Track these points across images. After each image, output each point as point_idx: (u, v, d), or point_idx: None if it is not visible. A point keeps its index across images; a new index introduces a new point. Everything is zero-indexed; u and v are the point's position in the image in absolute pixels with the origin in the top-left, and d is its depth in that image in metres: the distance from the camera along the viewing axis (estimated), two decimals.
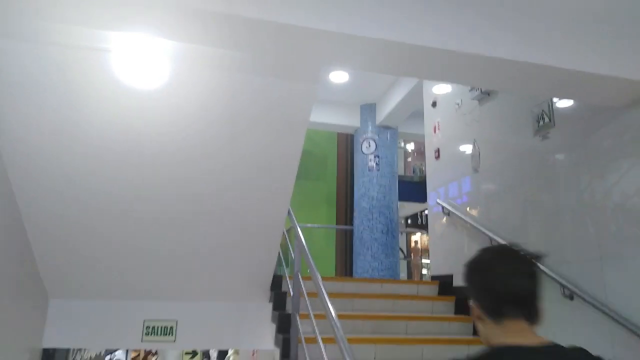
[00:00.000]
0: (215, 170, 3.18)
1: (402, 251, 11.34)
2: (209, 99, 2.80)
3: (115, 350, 8.31)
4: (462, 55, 2.33)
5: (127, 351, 8.56)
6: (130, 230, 3.47)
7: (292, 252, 4.04)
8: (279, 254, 4.45)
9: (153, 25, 2.08)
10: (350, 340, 3.29)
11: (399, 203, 8.17)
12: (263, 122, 2.97)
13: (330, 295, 3.82)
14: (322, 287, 2.69)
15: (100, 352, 6.47)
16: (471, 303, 1.24)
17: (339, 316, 3.54)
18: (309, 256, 3.19)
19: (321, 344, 2.69)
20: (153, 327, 4.15)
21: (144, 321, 4.11)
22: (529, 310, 1.19)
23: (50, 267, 3.62)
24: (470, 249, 4.46)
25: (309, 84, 2.80)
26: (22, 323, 3.54)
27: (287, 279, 4.03)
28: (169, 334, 4.16)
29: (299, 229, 3.66)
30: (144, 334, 4.11)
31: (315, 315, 3.03)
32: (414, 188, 9.27)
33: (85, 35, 2.32)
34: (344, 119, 7.27)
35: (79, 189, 3.09)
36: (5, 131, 2.67)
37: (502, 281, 1.17)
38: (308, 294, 3.23)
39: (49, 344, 3.88)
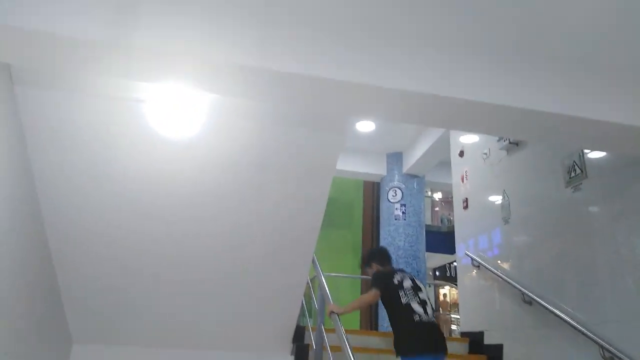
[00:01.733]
0: (243, 219, 3.20)
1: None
2: (239, 150, 2.86)
3: None
4: (489, 106, 2.31)
5: None
6: (159, 276, 3.48)
7: (315, 302, 3.95)
8: (302, 304, 4.36)
9: (186, 78, 2.17)
10: None
11: (426, 254, 8.00)
12: (290, 172, 3.00)
13: (354, 349, 3.70)
14: (345, 340, 2.59)
15: None
16: None
17: None
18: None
19: None
20: None
21: None
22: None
23: (77, 310, 3.64)
24: (502, 304, 4.27)
25: (336, 135, 2.84)
26: None
27: (310, 330, 3.92)
28: None
29: (323, 279, 3.60)
30: None
31: None
32: (441, 238, 9.08)
33: (121, 86, 2.44)
34: (371, 167, 7.30)
35: (112, 232, 3.14)
36: (44, 175, 2.78)
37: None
38: (331, 347, 3.12)
39: None
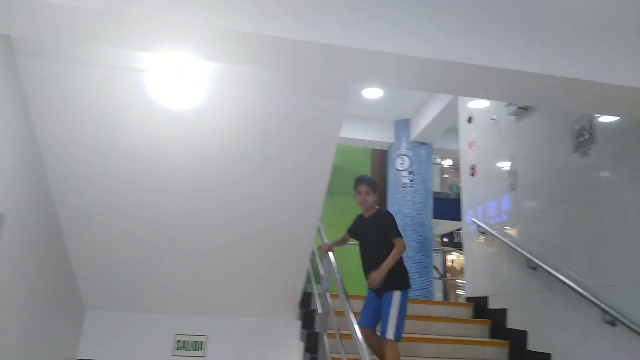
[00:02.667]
0: (248, 189, 3.23)
1: (437, 270, 11.07)
2: (243, 119, 2.86)
3: None
4: (497, 71, 2.27)
5: None
6: (166, 245, 3.55)
7: (321, 269, 4.00)
8: (310, 271, 4.43)
9: (188, 46, 2.14)
10: None
11: (435, 221, 8.00)
12: (295, 139, 2.99)
13: (357, 314, 3.77)
14: (348, 305, 2.64)
15: None
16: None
17: None
18: (337, 274, 3.14)
19: None
20: (184, 342, 4.20)
21: (175, 335, 4.17)
22: None
23: (87, 279, 3.74)
24: (507, 270, 4.30)
25: (339, 102, 2.81)
26: (59, 334, 3.66)
27: (317, 296, 3.99)
28: (199, 349, 4.20)
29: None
30: (175, 348, 4.17)
31: (341, 335, 2.97)
32: (450, 205, 9.06)
33: (122, 56, 2.42)
34: (378, 135, 7.23)
35: (119, 202, 3.19)
36: (49, 144, 2.80)
37: None
38: (335, 312, 3.18)
39: (83, 355, 3.99)
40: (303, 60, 2.21)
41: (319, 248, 3.29)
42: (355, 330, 2.46)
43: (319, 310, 3.54)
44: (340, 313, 3.00)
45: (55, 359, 3.63)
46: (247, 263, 3.79)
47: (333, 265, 3.29)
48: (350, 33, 2.10)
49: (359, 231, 3.31)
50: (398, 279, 3.09)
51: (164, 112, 2.68)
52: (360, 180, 3.24)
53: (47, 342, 3.43)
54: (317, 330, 3.67)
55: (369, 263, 3.13)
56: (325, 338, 3.20)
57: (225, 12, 1.95)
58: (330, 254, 3.39)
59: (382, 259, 3.04)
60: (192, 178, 3.10)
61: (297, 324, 4.21)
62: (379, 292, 3.06)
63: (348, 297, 2.85)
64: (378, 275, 2.96)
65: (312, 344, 3.52)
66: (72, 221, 3.24)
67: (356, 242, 3.35)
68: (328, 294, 3.37)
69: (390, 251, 3.07)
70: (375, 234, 3.19)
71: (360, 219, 3.35)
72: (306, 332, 3.73)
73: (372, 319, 3.08)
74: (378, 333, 3.02)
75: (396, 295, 3.00)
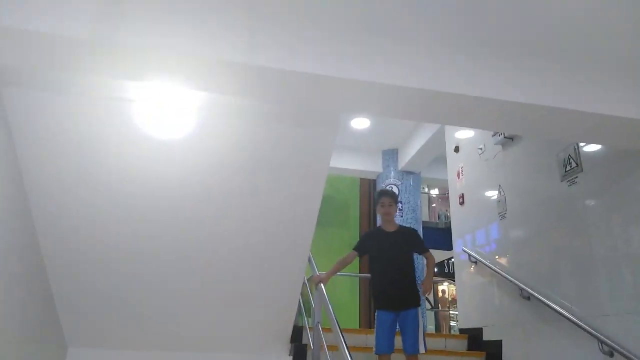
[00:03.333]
0: (237, 222, 3.17)
1: (429, 301, 10.94)
2: (231, 149, 2.83)
3: None
4: (484, 101, 2.29)
5: None
6: (153, 279, 3.44)
7: (312, 301, 3.92)
8: (300, 303, 4.33)
9: (175, 76, 2.13)
10: None
11: None
12: (284, 170, 2.97)
13: (352, 348, 3.66)
14: (342, 339, 2.56)
15: None
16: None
17: None
18: (329, 306, 3.07)
19: None
20: None
21: None
22: None
23: (71, 314, 3.59)
24: (500, 300, 4.25)
25: (328, 131, 2.80)
26: None
27: (308, 330, 3.89)
28: None
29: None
30: None
31: None
32: (439, 235, 9.07)
33: (108, 86, 2.40)
34: (366, 165, 7.26)
35: (103, 234, 3.11)
36: (33, 174, 2.74)
37: None
38: (328, 347, 3.09)
39: None
40: (291, 90, 2.22)
41: (310, 280, 3.25)
42: None
43: (311, 345, 3.44)
44: (333, 347, 2.92)
45: None
46: (235, 296, 3.69)
47: (324, 296, 3.22)
48: (338, 63, 2.11)
49: (377, 246, 3.31)
50: (418, 295, 3.25)
51: (151, 142, 2.65)
52: (382, 194, 3.48)
53: None
54: None
55: (396, 279, 3.17)
56: None
57: (212, 41, 1.96)
58: (322, 286, 3.33)
59: (410, 273, 3.23)
60: (179, 210, 3.04)
61: (288, 359, 4.07)
62: (399, 309, 3.03)
63: (342, 330, 2.77)
64: (429, 282, 3.23)
65: None
66: (55, 254, 3.14)
67: (344, 274, 3.36)
68: (320, 328, 3.28)
69: (411, 266, 3.23)
70: (402, 249, 3.29)
71: (378, 234, 3.39)
72: None
73: (392, 341, 3.09)
74: None
75: (418, 310, 3.19)
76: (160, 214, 3.02)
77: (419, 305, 3.20)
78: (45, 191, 2.82)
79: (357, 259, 3.54)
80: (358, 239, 3.53)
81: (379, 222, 7.06)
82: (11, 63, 2.13)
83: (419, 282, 3.34)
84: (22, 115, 2.47)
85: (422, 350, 3.08)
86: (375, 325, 3.21)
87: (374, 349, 3.15)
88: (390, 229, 3.39)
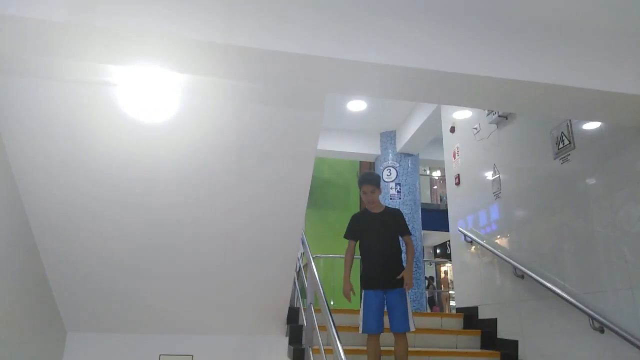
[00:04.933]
0: (226, 201, 3.17)
1: (432, 282, 10.99)
2: (218, 131, 2.82)
3: None
4: (479, 79, 2.27)
5: None
6: (146, 263, 3.47)
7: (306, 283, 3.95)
8: (297, 286, 4.36)
9: (156, 59, 2.12)
10: None
11: (426, 232, 7.97)
12: (273, 151, 2.96)
13: (347, 328, 3.71)
14: (330, 319, 2.58)
15: None
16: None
17: (356, 351, 3.45)
18: (320, 287, 3.10)
19: None
20: None
21: (160, 356, 4.06)
22: None
23: (68, 300, 3.64)
24: (495, 279, 4.26)
25: (315, 111, 2.79)
26: (40, 357, 3.55)
27: (303, 311, 3.92)
28: None
29: (311, 259, 3.59)
30: None
31: (326, 350, 2.91)
32: (440, 216, 9.04)
33: (92, 70, 2.39)
34: (365, 147, 7.25)
35: (94, 221, 3.13)
36: (20, 164, 2.75)
37: None
38: (320, 327, 3.12)
39: None
40: (274, 70, 2.20)
41: (344, 294, 3.29)
42: (337, 346, 2.39)
43: (305, 326, 3.47)
44: (324, 328, 2.95)
45: None
46: (230, 279, 3.72)
47: (317, 278, 3.24)
48: (321, 42, 2.09)
49: (365, 227, 3.34)
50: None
51: (136, 126, 2.64)
52: (363, 181, 3.40)
53: None
54: (303, 346, 3.60)
55: (384, 258, 3.25)
56: (311, 354, 3.14)
57: (191, 22, 1.94)
58: (314, 265, 3.37)
59: (397, 254, 3.26)
60: (168, 194, 3.05)
61: (285, 340, 4.12)
62: (387, 288, 3.16)
63: (331, 311, 2.79)
64: (409, 276, 3.20)
65: None
66: (47, 240, 3.17)
67: (343, 256, 3.37)
68: (312, 309, 3.31)
69: (398, 246, 3.28)
70: (389, 229, 3.34)
71: (364, 216, 3.42)
72: (293, 348, 3.65)
73: (381, 321, 3.12)
74: None
75: (405, 289, 3.21)
76: (147, 200, 3.03)
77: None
78: (33, 180, 2.83)
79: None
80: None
81: None
82: None
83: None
84: (6, 102, 2.47)
85: (412, 328, 3.10)
86: (362, 306, 3.22)
87: (360, 329, 3.16)
88: (376, 210, 3.40)
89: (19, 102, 2.49)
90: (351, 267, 3.36)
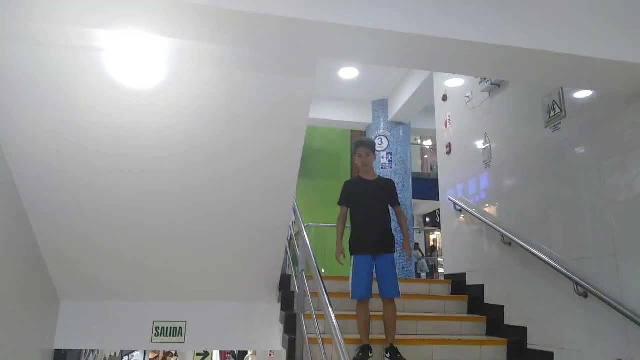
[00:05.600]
0: (217, 169, 3.15)
1: (420, 250, 11.18)
2: (208, 98, 2.77)
3: (133, 352, 8.36)
4: (472, 45, 2.24)
5: (144, 352, 8.61)
6: (137, 231, 3.47)
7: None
8: (288, 253, 4.41)
9: (147, 23, 2.05)
10: (356, 341, 3.26)
11: (416, 201, 8.03)
12: (263, 120, 2.92)
13: (337, 294, 3.78)
14: (321, 285, 2.62)
15: (115, 353, 6.54)
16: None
17: (346, 316, 3.52)
18: (311, 254, 3.13)
19: (321, 344, 2.63)
20: (162, 328, 4.16)
21: (154, 322, 4.13)
22: None
23: (59, 268, 3.65)
24: (483, 247, 4.34)
25: (306, 78, 2.74)
26: (33, 325, 3.59)
27: (295, 278, 3.98)
28: (178, 335, 4.17)
29: (303, 228, 3.61)
30: (154, 334, 4.13)
31: (317, 316, 2.97)
32: (430, 185, 9.11)
33: (78, 35, 2.32)
34: (356, 116, 7.20)
35: (84, 188, 3.10)
36: (7, 130, 2.70)
37: None
38: (311, 293, 3.17)
39: (60, 345, 3.93)
40: (264, 35, 2.15)
41: (336, 256, 3.36)
42: (329, 311, 2.44)
43: (297, 292, 3.53)
44: (316, 294, 2.99)
45: (32, 351, 3.57)
46: (223, 247, 3.75)
47: (308, 246, 3.27)
48: (312, 5, 2.04)
49: (358, 194, 3.38)
50: (394, 242, 3.36)
51: (125, 93, 2.59)
52: (359, 144, 3.48)
53: (21, 335, 3.36)
54: (295, 311, 3.67)
55: (375, 224, 3.31)
56: (303, 319, 3.20)
57: None
58: (305, 233, 3.40)
59: (387, 221, 3.34)
60: (159, 161, 3.02)
61: (277, 307, 4.20)
62: (377, 253, 3.24)
63: (323, 278, 2.83)
64: (409, 246, 3.39)
65: (290, 325, 3.52)
66: (37, 208, 3.14)
67: (334, 225, 3.42)
68: (304, 276, 3.35)
69: (389, 214, 3.37)
70: (382, 197, 3.41)
71: (359, 183, 3.47)
72: (285, 314, 3.72)
73: (370, 286, 3.22)
74: None
75: (394, 256, 3.31)
76: (139, 166, 3.00)
77: (394, 251, 3.30)
78: (21, 148, 2.79)
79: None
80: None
81: None
82: None
83: (396, 236, 3.44)
84: None
85: (399, 294, 3.21)
86: (352, 271, 3.28)
87: (350, 294, 3.23)
88: (369, 177, 3.45)
89: (5, 67, 2.42)
90: (343, 232, 3.41)
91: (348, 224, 3.47)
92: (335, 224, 3.45)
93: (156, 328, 4.14)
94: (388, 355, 3.13)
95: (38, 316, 3.66)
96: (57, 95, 2.59)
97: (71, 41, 2.37)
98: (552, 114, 3.45)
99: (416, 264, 9.19)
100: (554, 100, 3.44)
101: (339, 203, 3.49)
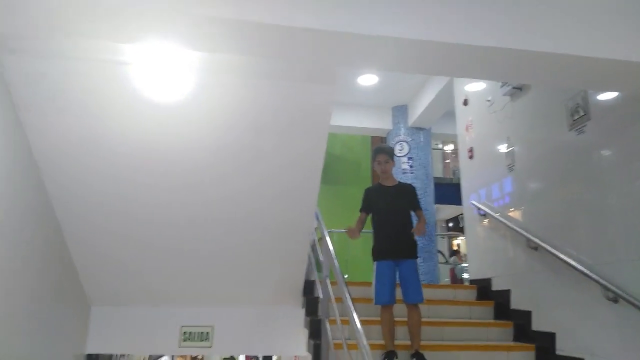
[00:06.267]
0: (242, 179, 3.22)
1: (443, 255, 11.06)
2: (235, 109, 2.84)
3: (161, 356, 8.51)
4: (493, 50, 2.24)
5: (172, 357, 8.78)
6: (165, 238, 3.56)
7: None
8: (312, 259, 4.45)
9: (168, 36, 2.12)
10: (380, 346, 3.26)
11: (438, 206, 7.97)
12: (286, 128, 2.98)
13: (361, 300, 3.79)
14: (346, 291, 2.65)
15: (144, 358, 6.67)
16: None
17: (370, 322, 3.53)
18: (334, 260, 3.16)
19: (346, 350, 2.65)
20: (190, 333, 4.24)
21: (181, 327, 4.21)
22: None
23: (90, 275, 3.77)
24: (509, 251, 4.29)
25: (327, 86, 2.79)
26: (65, 330, 3.71)
27: (319, 284, 4.01)
28: (206, 340, 4.24)
29: (326, 234, 3.64)
30: (182, 339, 4.21)
31: (342, 321, 2.99)
32: (452, 190, 9.05)
33: (104, 49, 2.41)
34: (376, 122, 7.21)
35: (114, 197, 3.20)
36: (38, 141, 2.81)
37: None
38: (336, 299, 3.20)
39: (92, 349, 4.05)
40: (287, 46, 2.20)
41: (348, 232, 3.36)
42: (353, 316, 2.46)
43: (321, 298, 3.56)
44: (340, 299, 3.02)
45: (64, 356, 3.69)
46: (248, 253, 3.81)
47: (330, 253, 3.30)
48: (334, 16, 2.08)
49: (380, 201, 3.40)
50: (416, 247, 3.37)
51: (151, 105, 2.68)
52: (378, 151, 3.51)
53: (54, 340, 3.48)
54: (319, 317, 3.69)
55: (396, 230, 3.33)
56: (328, 324, 3.22)
57: None
58: (329, 239, 3.43)
59: (408, 226, 3.34)
60: (186, 172, 3.10)
61: (301, 312, 4.23)
62: (399, 258, 3.24)
63: (347, 283, 2.86)
64: (422, 227, 3.29)
65: (315, 330, 3.54)
66: (69, 219, 3.26)
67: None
68: (328, 281, 3.38)
69: (410, 219, 3.39)
70: (402, 203, 3.42)
71: (379, 189, 3.50)
72: (309, 319, 3.75)
73: (394, 292, 3.24)
74: None
75: (417, 261, 3.31)
76: (167, 178, 3.09)
77: (417, 256, 3.31)
78: (53, 162, 2.90)
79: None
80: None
81: None
82: (10, 31, 2.15)
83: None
84: (21, 82, 2.50)
85: (423, 299, 3.22)
86: (374, 277, 3.30)
87: (373, 300, 3.25)
88: (389, 183, 3.47)
89: (34, 82, 2.53)
90: (360, 229, 3.44)
91: (369, 230, 3.50)
92: (365, 231, 3.51)
93: (184, 333, 4.22)
94: None
95: (70, 322, 3.78)
96: (84, 108, 2.69)
97: (98, 55, 2.47)
98: (576, 116, 3.41)
99: (453, 269, 9.16)
100: (577, 103, 3.40)
101: (361, 210, 3.52)
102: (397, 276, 3.28)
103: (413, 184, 6.34)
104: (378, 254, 3.34)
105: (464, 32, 2.20)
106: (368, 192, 3.57)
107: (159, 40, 2.17)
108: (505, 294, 4.23)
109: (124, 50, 2.39)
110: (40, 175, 2.95)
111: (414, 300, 3.17)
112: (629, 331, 2.87)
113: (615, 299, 2.94)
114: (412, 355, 3.16)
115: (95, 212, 3.24)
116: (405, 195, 3.45)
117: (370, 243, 3.49)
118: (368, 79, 6.22)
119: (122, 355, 5.30)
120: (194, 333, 4.24)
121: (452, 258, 9.94)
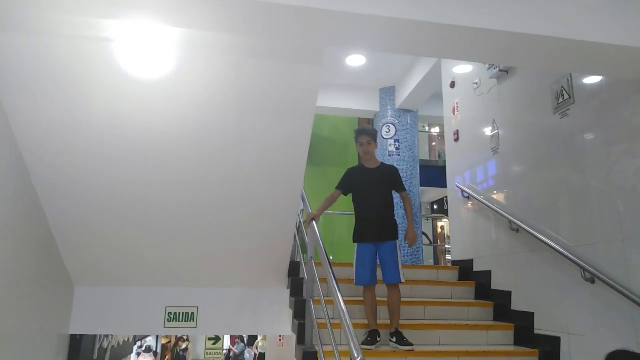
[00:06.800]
0: (227, 158, 3.19)
1: (427, 237, 11.20)
2: (218, 87, 2.79)
3: (146, 336, 8.51)
4: (480, 31, 2.24)
5: (157, 337, 8.77)
6: (149, 218, 3.53)
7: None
8: (297, 240, 4.46)
9: (157, 12, 2.07)
10: (363, 325, 3.32)
11: (423, 188, 8.03)
12: (272, 108, 2.95)
13: (345, 280, 3.83)
14: (330, 271, 2.67)
15: (128, 338, 6.68)
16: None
17: (353, 301, 3.58)
18: (320, 241, 3.17)
19: (330, 329, 2.69)
20: (174, 313, 4.24)
21: (166, 307, 4.21)
22: None
23: (73, 255, 3.73)
24: (491, 233, 4.36)
25: (313, 66, 2.76)
26: (49, 310, 3.68)
27: (303, 265, 4.03)
28: (190, 320, 4.25)
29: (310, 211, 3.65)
30: (166, 319, 4.21)
31: (326, 301, 3.02)
32: (438, 172, 9.10)
33: (88, 25, 2.35)
34: (364, 104, 7.19)
35: (96, 175, 3.15)
36: (18, 121, 2.73)
37: None
38: (320, 279, 3.22)
39: (75, 330, 4.03)
40: (272, 23, 2.16)
41: (305, 219, 3.40)
42: (337, 296, 2.49)
43: (306, 278, 3.58)
44: (324, 280, 3.04)
45: (48, 336, 3.67)
46: (232, 234, 3.80)
47: (316, 234, 3.31)
48: None
49: (360, 182, 3.40)
50: (396, 228, 3.39)
51: (135, 83, 2.62)
52: (360, 132, 3.53)
53: (37, 320, 3.45)
54: (304, 297, 3.73)
55: (377, 212, 3.34)
56: (312, 304, 3.25)
57: None
58: (314, 222, 3.42)
59: (389, 208, 3.37)
60: (169, 151, 3.06)
61: (286, 292, 4.26)
62: (378, 241, 3.29)
63: (331, 264, 2.88)
64: (412, 232, 3.37)
65: (300, 310, 3.58)
66: (50, 197, 3.20)
67: (342, 212, 3.46)
68: (313, 262, 3.40)
69: (391, 202, 3.38)
70: (383, 184, 3.42)
71: (361, 171, 3.49)
72: (294, 299, 3.78)
73: (374, 272, 3.30)
74: None
75: (396, 242, 3.33)
76: (149, 156, 3.04)
77: (396, 237, 3.36)
78: (33, 136, 2.82)
79: (350, 196, 3.60)
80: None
81: None
82: None
83: (398, 221, 3.46)
84: (2, 59, 2.43)
85: (402, 279, 3.26)
86: (355, 259, 3.35)
87: (354, 281, 3.30)
88: (371, 165, 3.47)
89: (16, 59, 2.45)
90: (325, 207, 3.48)
91: (350, 211, 3.52)
92: (341, 211, 3.52)
93: (168, 313, 4.22)
94: (393, 339, 3.19)
95: (53, 302, 3.75)
96: (67, 85, 2.61)
97: (81, 31, 2.40)
98: (561, 100, 3.44)
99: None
100: (562, 87, 3.43)
101: (337, 187, 3.53)
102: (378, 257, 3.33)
103: (399, 166, 6.38)
104: (358, 235, 3.38)
105: (453, 13, 2.19)
106: (349, 171, 3.58)
107: (141, 16, 2.11)
108: (486, 275, 4.31)
109: (107, 26, 2.32)
110: (20, 152, 2.89)
111: (392, 281, 3.23)
112: (602, 310, 2.96)
113: (592, 279, 3.02)
114: (392, 334, 3.22)
115: (76, 189, 3.19)
116: (387, 177, 3.45)
117: (352, 225, 3.51)
118: (356, 60, 6.17)
119: (106, 336, 5.29)
120: (179, 313, 4.24)
121: None
